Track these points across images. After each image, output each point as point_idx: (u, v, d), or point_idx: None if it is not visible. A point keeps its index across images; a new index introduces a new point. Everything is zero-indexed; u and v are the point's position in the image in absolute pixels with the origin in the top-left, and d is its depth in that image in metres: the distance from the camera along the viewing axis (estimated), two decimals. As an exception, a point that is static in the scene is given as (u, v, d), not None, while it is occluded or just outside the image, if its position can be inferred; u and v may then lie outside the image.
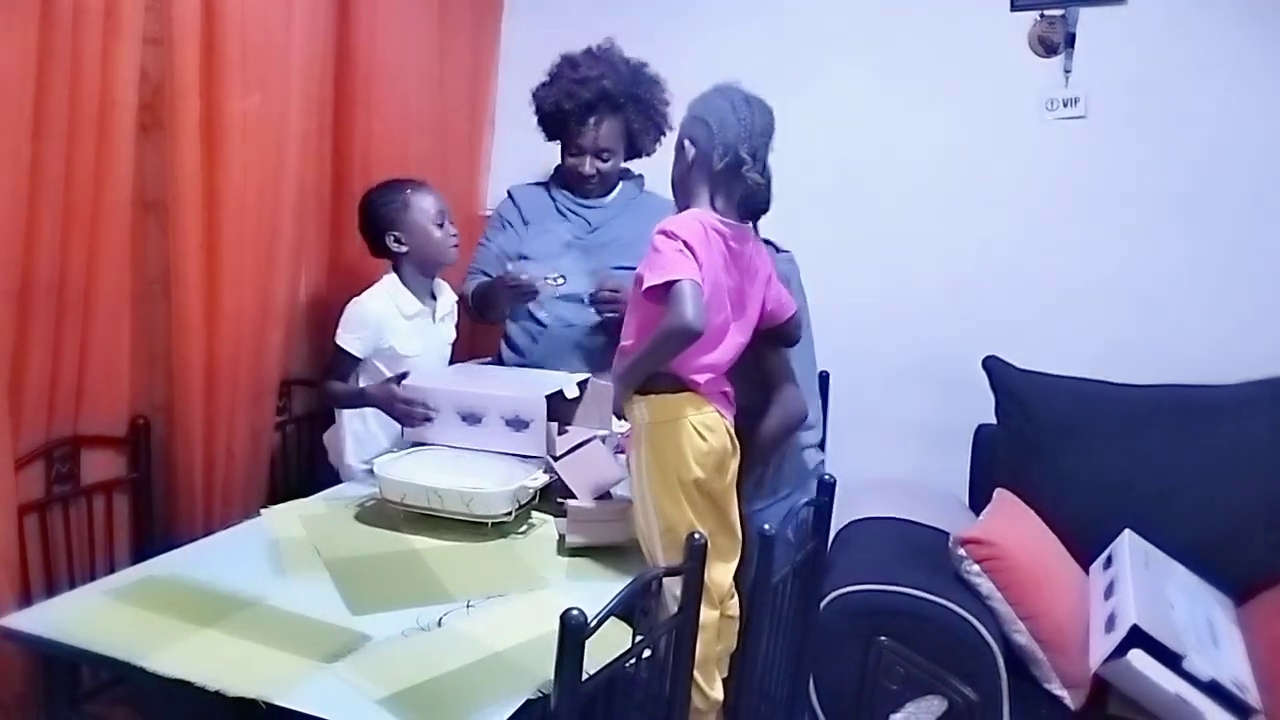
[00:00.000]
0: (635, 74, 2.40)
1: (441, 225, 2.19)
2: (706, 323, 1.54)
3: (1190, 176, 2.47)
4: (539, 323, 2.40)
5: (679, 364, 1.61)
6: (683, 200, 1.72)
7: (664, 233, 1.59)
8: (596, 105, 2.35)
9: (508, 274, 2.29)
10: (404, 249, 2.17)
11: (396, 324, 2.16)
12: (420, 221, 2.16)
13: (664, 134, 2.45)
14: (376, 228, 2.18)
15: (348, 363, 2.12)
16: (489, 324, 2.52)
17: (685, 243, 1.57)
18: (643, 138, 2.43)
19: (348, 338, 2.11)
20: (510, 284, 2.27)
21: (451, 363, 2.33)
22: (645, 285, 1.57)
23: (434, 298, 2.26)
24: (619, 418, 1.74)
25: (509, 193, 2.57)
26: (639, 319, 1.65)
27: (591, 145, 2.39)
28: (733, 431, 1.69)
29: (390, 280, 2.19)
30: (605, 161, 2.42)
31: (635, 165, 2.54)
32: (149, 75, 1.83)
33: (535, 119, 2.46)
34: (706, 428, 1.63)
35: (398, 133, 2.46)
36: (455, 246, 2.23)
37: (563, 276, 2.32)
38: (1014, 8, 2.55)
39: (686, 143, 1.70)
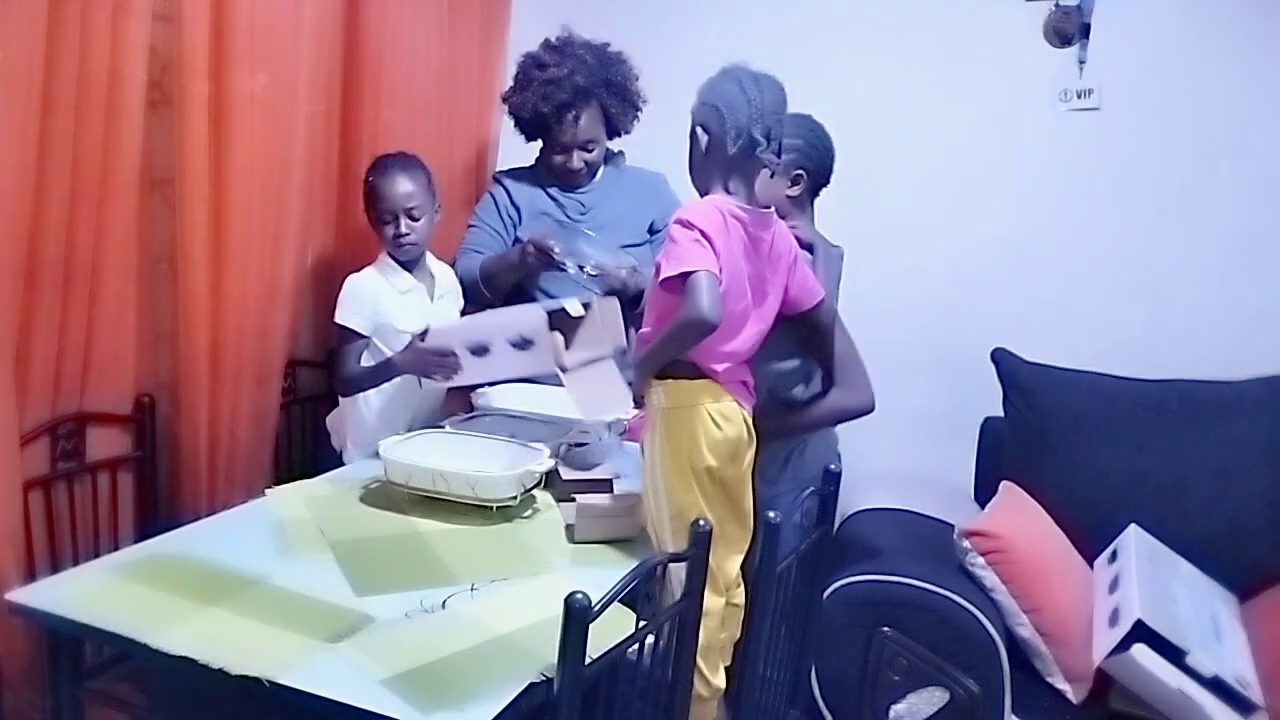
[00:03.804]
0: (602, 59, 2.39)
1: (388, 222, 2.12)
2: (726, 312, 1.53)
3: (1203, 169, 2.45)
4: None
5: (698, 352, 1.60)
6: (701, 187, 1.70)
7: (681, 222, 1.57)
8: (572, 102, 2.34)
9: (537, 238, 2.25)
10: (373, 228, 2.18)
11: (390, 299, 2.15)
12: (372, 214, 2.15)
13: (639, 110, 2.45)
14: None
15: (355, 341, 2.12)
16: (485, 303, 2.50)
17: (703, 232, 1.55)
18: (620, 119, 2.43)
19: (346, 314, 2.11)
20: (539, 248, 2.23)
21: None
22: (661, 276, 1.56)
23: (432, 276, 2.25)
24: (636, 405, 1.73)
25: (496, 178, 2.56)
26: (657, 308, 1.64)
27: (575, 140, 2.39)
28: (750, 422, 1.68)
29: (383, 257, 2.19)
30: (590, 152, 2.42)
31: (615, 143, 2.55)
32: (158, 52, 1.83)
33: (513, 125, 2.46)
34: (723, 416, 1.62)
35: (405, 117, 2.44)
36: (403, 245, 2.14)
37: (587, 268, 2.28)
38: (1029, -3, 2.54)
39: (699, 130, 1.68)
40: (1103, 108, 2.51)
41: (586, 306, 2.05)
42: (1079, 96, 2.52)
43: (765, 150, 1.65)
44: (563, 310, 2.00)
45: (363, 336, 2.13)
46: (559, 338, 1.93)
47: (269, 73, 1.99)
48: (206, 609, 1.41)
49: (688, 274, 1.51)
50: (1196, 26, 2.43)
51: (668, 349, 1.59)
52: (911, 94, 2.65)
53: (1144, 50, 2.47)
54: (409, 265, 2.20)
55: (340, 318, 2.11)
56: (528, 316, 1.96)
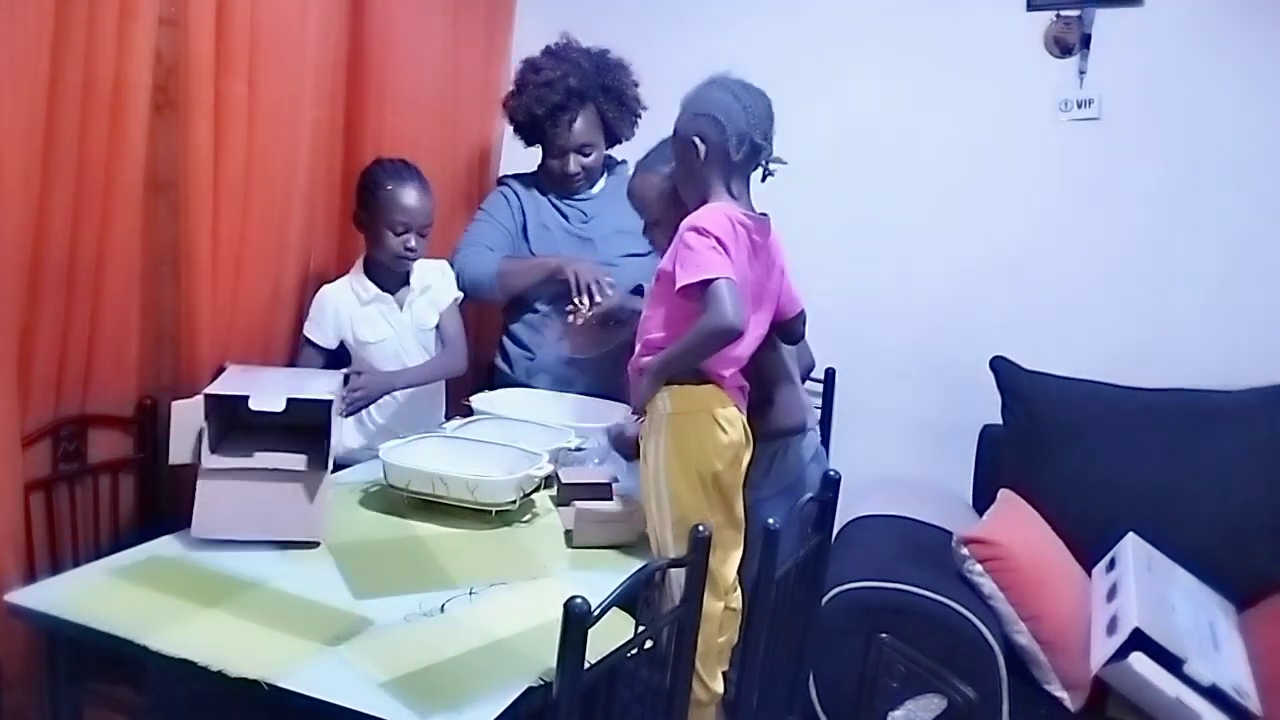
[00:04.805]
0: (599, 64, 2.39)
1: (400, 234, 2.12)
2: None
3: (1202, 179, 2.46)
4: (542, 314, 2.40)
5: (709, 358, 1.61)
6: (696, 198, 1.70)
7: (696, 229, 1.58)
8: (567, 104, 2.35)
9: (585, 270, 2.22)
10: (362, 230, 2.17)
11: (353, 310, 2.15)
12: (380, 219, 2.12)
13: (638, 117, 2.45)
14: (356, 195, 2.18)
15: (306, 350, 2.12)
16: (487, 303, 2.50)
17: (718, 239, 1.56)
18: (619, 125, 2.44)
19: (310, 327, 2.12)
20: (583, 279, 2.21)
21: (441, 346, 2.27)
22: (680, 284, 1.56)
23: (407, 283, 2.22)
24: (638, 412, 1.73)
25: (504, 181, 2.57)
26: (667, 313, 1.65)
27: (570, 144, 2.39)
28: (747, 426, 1.69)
29: (357, 264, 2.19)
30: (587, 156, 2.42)
31: (617, 151, 2.55)
32: (163, 57, 1.83)
33: (512, 129, 2.46)
34: (728, 421, 1.63)
35: (409, 123, 2.45)
36: (407, 260, 2.15)
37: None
38: (1030, 7, 2.55)
39: (696, 140, 1.67)
40: (1103, 118, 2.52)
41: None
42: (1079, 106, 2.53)
43: (769, 154, 1.67)
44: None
45: (323, 350, 2.13)
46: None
47: (273, 77, 1.99)
48: (206, 611, 1.42)
49: (707, 281, 1.52)
50: (1197, 37, 2.44)
51: (689, 355, 1.60)
52: (912, 103, 2.66)
53: (1144, 61, 2.48)
54: (380, 275, 2.18)
55: (305, 329, 2.13)
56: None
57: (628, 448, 1.91)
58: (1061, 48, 2.54)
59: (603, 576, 1.58)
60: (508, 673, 1.31)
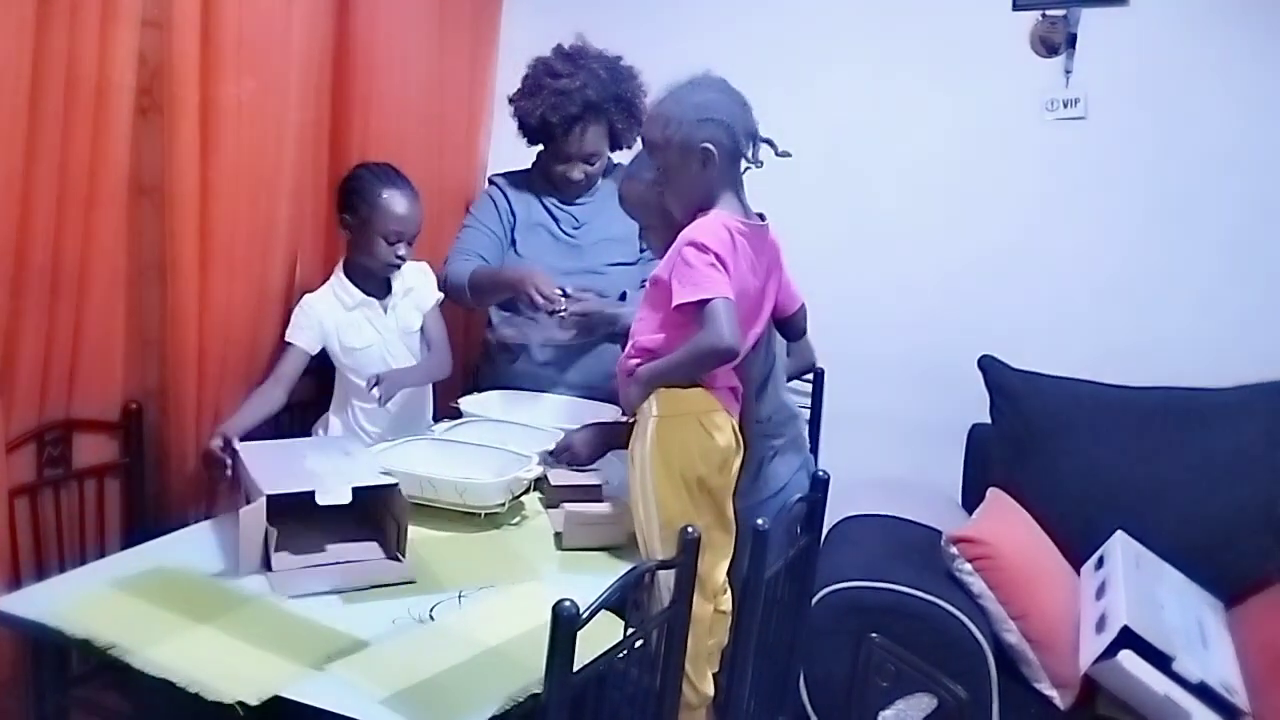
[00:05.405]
0: (614, 74, 2.37)
1: (393, 243, 2.10)
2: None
3: (1189, 179, 2.47)
4: (530, 317, 2.39)
5: None
6: (694, 205, 1.67)
7: (695, 245, 1.56)
8: (581, 115, 2.32)
9: (543, 287, 2.18)
10: (348, 234, 2.15)
11: (338, 317, 2.13)
12: (373, 226, 2.09)
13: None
14: (342, 199, 2.15)
15: (295, 356, 2.10)
16: (472, 309, 2.49)
17: (717, 255, 1.55)
18: (625, 134, 2.42)
19: (294, 332, 2.11)
20: (545, 295, 2.17)
21: (426, 348, 2.25)
22: (676, 301, 1.55)
23: (388, 288, 2.20)
24: (625, 414, 1.73)
25: (494, 181, 2.54)
26: (662, 320, 1.63)
27: (579, 153, 2.37)
28: (738, 430, 1.69)
29: (338, 269, 2.18)
30: (592, 165, 2.41)
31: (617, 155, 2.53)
32: (147, 59, 1.82)
33: (516, 127, 2.44)
34: (715, 426, 1.62)
35: (395, 125, 2.44)
36: (395, 266, 2.14)
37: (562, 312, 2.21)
38: (1016, 7, 2.55)
39: (709, 146, 1.63)
40: (1089, 117, 2.53)
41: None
42: (1065, 106, 2.53)
43: (777, 148, 1.66)
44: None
45: (305, 352, 2.11)
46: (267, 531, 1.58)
47: (258, 80, 1.98)
48: (195, 626, 1.40)
49: (705, 300, 1.52)
50: (1182, 36, 2.45)
51: (681, 371, 1.59)
52: (898, 104, 2.66)
53: (1130, 60, 2.49)
54: (363, 279, 2.17)
55: (288, 334, 2.11)
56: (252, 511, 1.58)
57: (574, 460, 1.91)
58: (1047, 47, 2.54)
59: (592, 579, 1.56)
60: (498, 682, 1.30)
